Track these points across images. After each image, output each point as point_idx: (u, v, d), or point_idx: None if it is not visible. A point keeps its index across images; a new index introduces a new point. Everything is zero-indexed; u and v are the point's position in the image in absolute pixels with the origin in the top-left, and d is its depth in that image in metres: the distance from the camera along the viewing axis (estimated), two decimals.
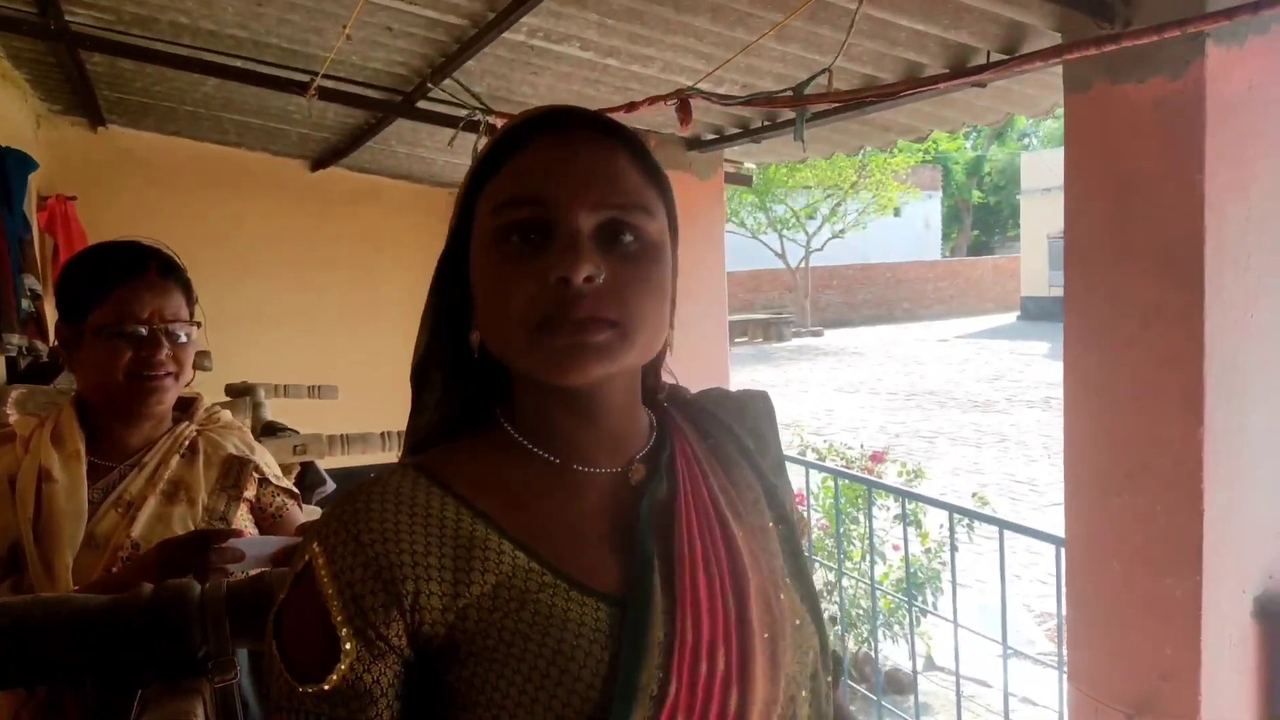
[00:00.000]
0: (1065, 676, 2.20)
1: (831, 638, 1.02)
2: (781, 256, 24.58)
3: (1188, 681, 1.90)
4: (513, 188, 0.75)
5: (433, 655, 0.71)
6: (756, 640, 0.75)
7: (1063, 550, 2.21)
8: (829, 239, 24.23)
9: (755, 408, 0.93)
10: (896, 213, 27.93)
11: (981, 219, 38.89)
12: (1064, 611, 2.21)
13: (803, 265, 24.57)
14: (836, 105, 2.49)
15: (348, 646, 0.70)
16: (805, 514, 3.42)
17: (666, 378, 0.92)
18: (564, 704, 0.69)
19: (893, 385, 14.82)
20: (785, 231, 24.20)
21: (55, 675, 1.04)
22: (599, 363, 0.73)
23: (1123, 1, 1.95)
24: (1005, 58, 2.42)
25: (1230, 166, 1.85)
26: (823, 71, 1.84)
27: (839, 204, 23.56)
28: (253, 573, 1.21)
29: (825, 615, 0.88)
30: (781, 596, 0.80)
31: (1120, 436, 2.00)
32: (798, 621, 0.81)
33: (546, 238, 0.74)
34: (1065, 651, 2.21)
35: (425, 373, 0.82)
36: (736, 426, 0.90)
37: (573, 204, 0.73)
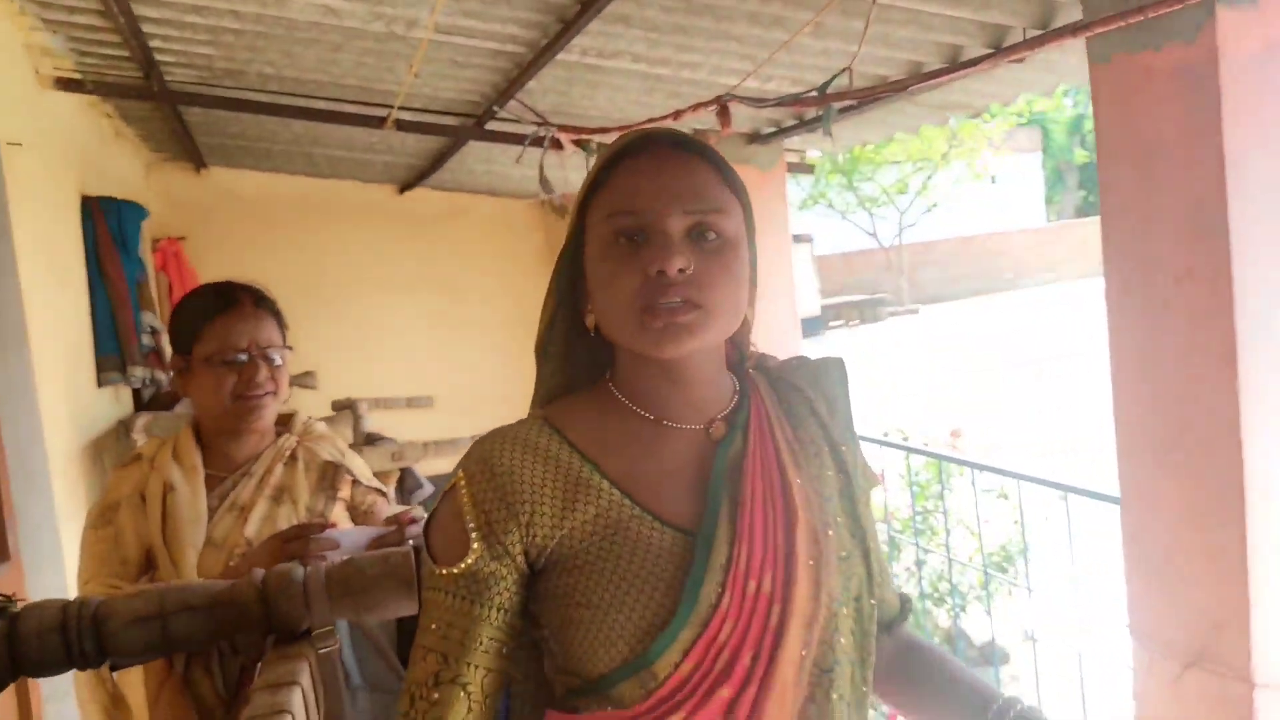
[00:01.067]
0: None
1: (896, 583, 1.21)
2: (874, 235, 24.21)
3: (1240, 631, 1.94)
4: (617, 201, 0.95)
5: (544, 564, 0.93)
6: (800, 567, 0.94)
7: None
8: (923, 214, 23.73)
9: (829, 372, 1.09)
10: (993, 180, 27.15)
11: (1088, 178, 37.37)
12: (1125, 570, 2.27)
13: (896, 243, 24.15)
14: (868, 97, 2.58)
15: (475, 545, 0.93)
16: (883, 485, 3.50)
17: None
18: (645, 606, 0.90)
19: (987, 357, 14.51)
20: (876, 209, 23.82)
21: (189, 647, 1.26)
22: (689, 338, 0.92)
23: None
24: (1036, 34, 2.48)
25: (1250, 125, 1.89)
26: (843, 71, 1.95)
27: (930, 176, 23.06)
28: (345, 558, 1.41)
29: (876, 551, 1.05)
30: (830, 532, 0.98)
31: (1165, 395, 2.05)
32: (844, 553, 0.98)
33: (646, 239, 0.93)
34: (1128, 610, 2.27)
35: (546, 347, 1.04)
36: (810, 390, 1.06)
37: (664, 211, 0.93)
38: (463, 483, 0.94)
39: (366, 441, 3.27)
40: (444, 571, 0.93)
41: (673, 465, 0.97)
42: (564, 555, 0.92)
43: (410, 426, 3.98)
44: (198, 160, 5.14)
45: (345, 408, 3.78)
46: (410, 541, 1.50)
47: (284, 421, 1.85)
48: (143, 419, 2.74)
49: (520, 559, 0.93)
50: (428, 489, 3.17)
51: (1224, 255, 1.89)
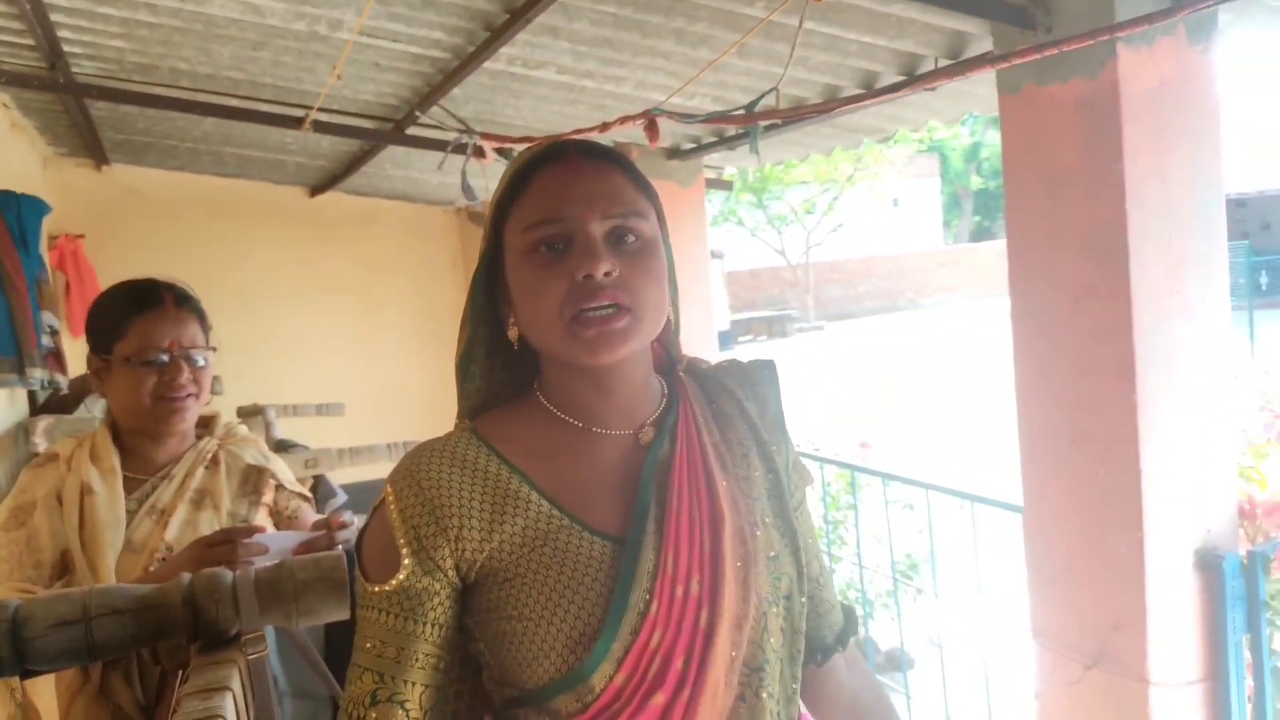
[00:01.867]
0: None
1: (839, 595, 1.22)
2: (782, 253, 24.71)
3: (1136, 631, 2.06)
4: (537, 211, 0.94)
5: (475, 578, 0.93)
6: (728, 569, 0.94)
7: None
8: (828, 233, 24.35)
9: (761, 373, 1.09)
10: (895, 203, 28.03)
11: (982, 204, 38.90)
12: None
13: (804, 260, 24.70)
14: (792, 119, 2.66)
15: (406, 561, 0.92)
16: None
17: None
18: (575, 617, 0.90)
19: (892, 374, 14.94)
20: (784, 228, 24.33)
21: (112, 653, 1.22)
22: (623, 344, 0.93)
23: (1043, 12, 2.12)
24: (950, 63, 2.60)
25: (1147, 156, 2.02)
26: (770, 91, 2.01)
27: (836, 197, 23.69)
28: (274, 563, 1.39)
29: (809, 550, 1.07)
30: (758, 532, 0.98)
31: (1064, 407, 2.16)
32: (773, 553, 0.99)
33: (568, 246, 0.93)
34: (1030, 613, 2.37)
35: (468, 365, 1.03)
36: (740, 390, 1.06)
37: (585, 218, 0.93)
38: (391, 498, 0.94)
39: (278, 448, 3.19)
40: (377, 589, 0.93)
41: (602, 473, 0.98)
42: (494, 568, 0.92)
43: (321, 434, 3.89)
44: (100, 156, 4.94)
45: (253, 414, 3.67)
46: (340, 546, 1.48)
47: (205, 424, 1.80)
48: (43, 422, 2.62)
49: (452, 573, 0.93)
50: (342, 498, 3.11)
51: (1123, 275, 2.01)
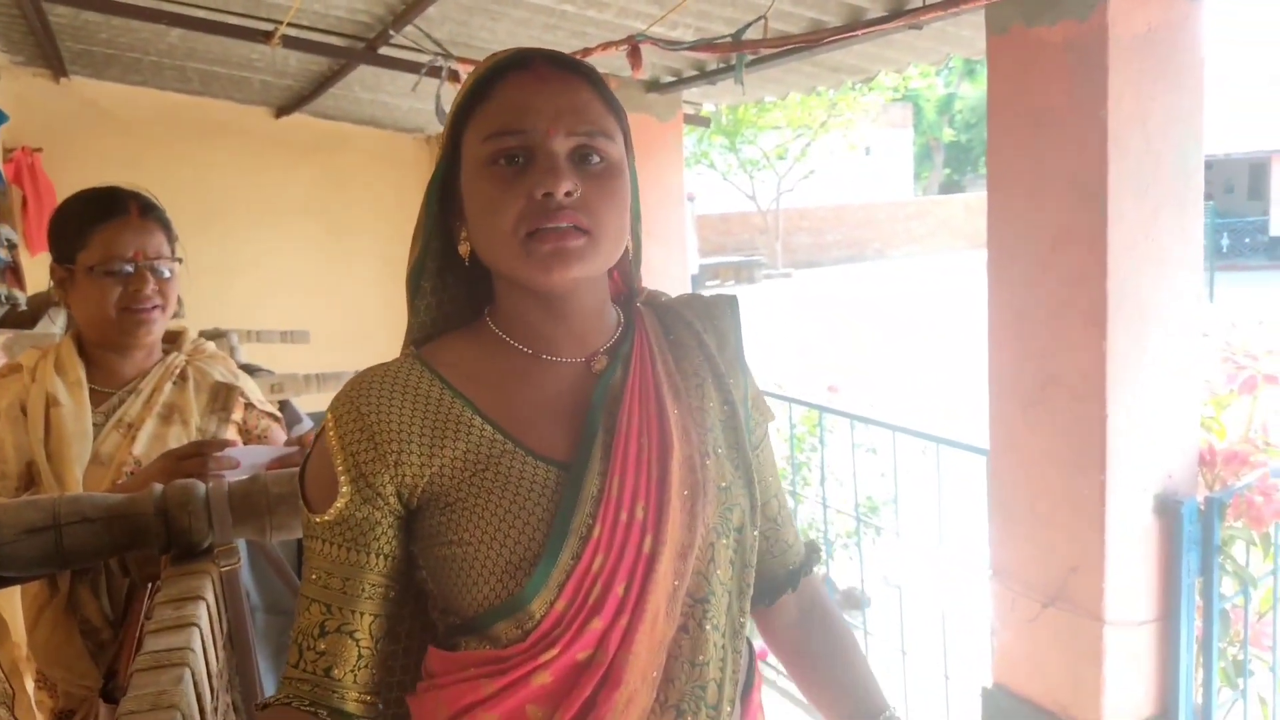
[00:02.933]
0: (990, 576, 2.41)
1: (801, 529, 1.19)
2: (752, 198, 24.62)
3: (1094, 572, 2.11)
4: (497, 120, 0.89)
5: (417, 504, 0.91)
6: (674, 497, 0.92)
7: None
8: (800, 180, 24.26)
9: (720, 307, 1.06)
10: (867, 151, 27.96)
11: (953, 157, 38.93)
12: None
13: (774, 207, 24.64)
14: (779, 49, 2.62)
15: (344, 489, 0.90)
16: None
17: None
18: (516, 541, 0.88)
19: (858, 322, 15.06)
20: (755, 173, 24.21)
21: (83, 562, 1.20)
22: (577, 264, 0.88)
23: None
24: (936, 1, 2.56)
25: (1131, 102, 2.02)
26: (759, 19, 1.97)
27: (809, 144, 23.56)
28: (247, 477, 1.37)
29: (765, 484, 1.05)
30: (708, 462, 0.96)
31: (1035, 351, 2.19)
32: (724, 484, 0.96)
33: (529, 161, 0.88)
34: (991, 553, 2.42)
35: (418, 281, 0.98)
36: (698, 323, 1.03)
37: (549, 132, 0.88)
38: (331, 425, 0.91)
39: (243, 371, 3.14)
40: (319, 519, 0.91)
41: (550, 399, 0.95)
42: (435, 494, 0.90)
43: (285, 362, 3.84)
44: (58, 67, 4.76)
45: (215, 338, 3.61)
46: None
47: (172, 339, 1.76)
48: (2, 336, 2.55)
49: (394, 500, 0.90)
50: (307, 424, 3.08)
51: (1100, 220, 2.02)
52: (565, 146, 0.89)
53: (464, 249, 0.94)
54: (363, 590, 0.90)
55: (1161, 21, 2.05)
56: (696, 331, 1.03)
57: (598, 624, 0.88)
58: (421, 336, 1.00)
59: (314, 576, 0.91)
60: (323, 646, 0.90)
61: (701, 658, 0.93)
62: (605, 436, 0.92)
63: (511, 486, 0.89)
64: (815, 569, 1.13)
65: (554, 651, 0.87)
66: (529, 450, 0.91)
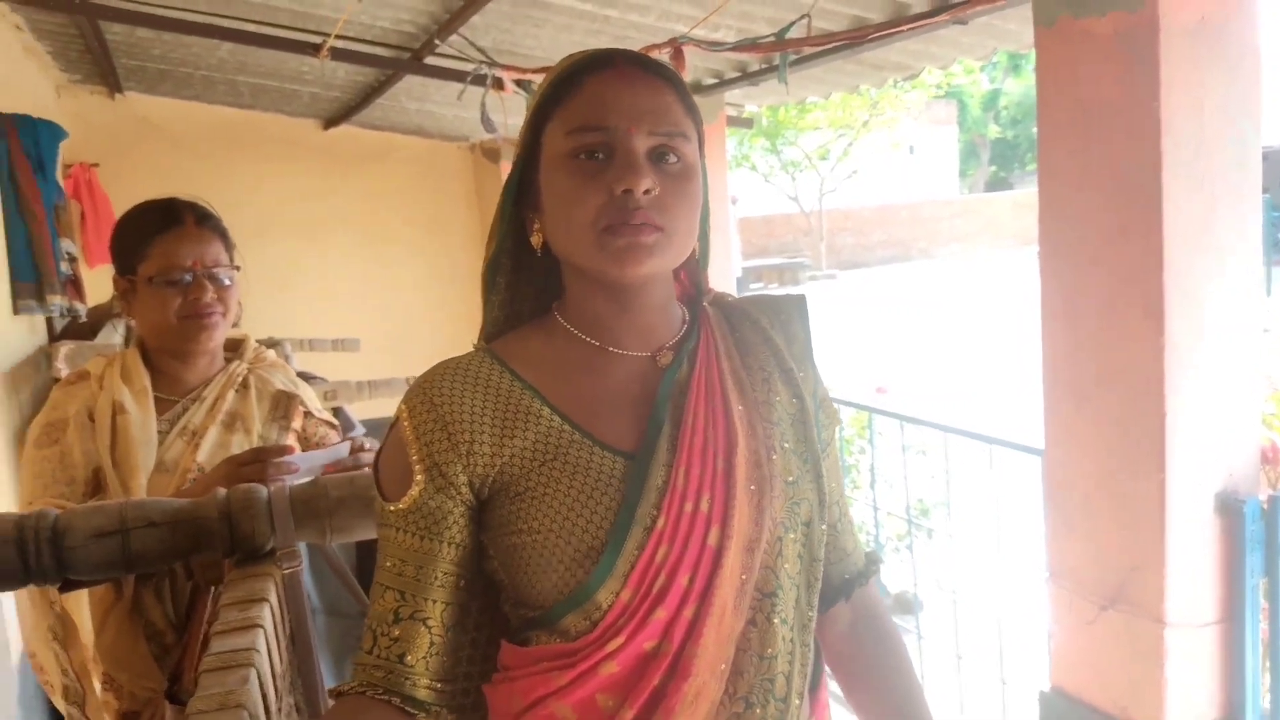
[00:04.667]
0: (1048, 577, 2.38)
1: (863, 538, 1.20)
2: (795, 200, 24.47)
3: (1155, 572, 2.07)
4: (581, 116, 0.91)
5: (488, 494, 0.94)
6: (741, 491, 0.93)
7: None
8: (843, 180, 24.07)
9: (788, 306, 1.08)
10: (911, 150, 27.66)
11: (999, 154, 38.37)
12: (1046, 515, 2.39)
13: (817, 208, 24.47)
14: (822, 48, 2.61)
15: (419, 478, 0.93)
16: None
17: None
18: (584, 530, 0.90)
19: (906, 324, 14.90)
20: (798, 174, 24.05)
21: (149, 566, 1.23)
22: (649, 259, 0.91)
23: None
24: None
25: (1184, 93, 1.98)
26: (802, 17, 1.97)
27: (851, 143, 23.37)
28: (306, 480, 1.40)
29: (832, 478, 1.05)
30: (774, 457, 0.97)
31: (1090, 347, 2.15)
32: (791, 478, 0.97)
33: (609, 157, 0.91)
34: (1048, 554, 2.39)
35: (494, 276, 1.01)
36: (764, 320, 1.05)
37: (631, 130, 0.91)
38: (405, 416, 0.94)
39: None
40: (393, 508, 0.94)
41: (617, 391, 0.97)
42: (506, 483, 0.92)
43: (336, 369, 3.90)
44: (113, 84, 4.89)
45: (269, 346, 3.68)
46: (367, 468, 1.48)
47: (233, 347, 1.80)
48: (65, 348, 2.63)
49: (465, 490, 0.93)
50: (360, 431, 3.12)
51: (1156, 215, 1.98)
52: (645, 145, 0.91)
53: (536, 240, 0.97)
54: (435, 578, 0.93)
55: (1215, 10, 2.01)
56: (763, 329, 1.05)
57: (662, 614, 0.89)
58: (494, 332, 1.03)
59: (388, 564, 0.94)
60: (396, 633, 0.92)
61: (770, 651, 0.94)
62: (671, 429, 0.94)
63: (579, 476, 0.92)
64: (872, 580, 1.13)
65: (620, 640, 0.89)
66: (596, 440, 0.94)
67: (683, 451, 0.93)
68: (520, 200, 0.99)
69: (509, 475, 0.92)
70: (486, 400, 0.94)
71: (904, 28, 2.31)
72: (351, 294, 5.97)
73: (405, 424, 0.93)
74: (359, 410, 3.32)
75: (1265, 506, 2.07)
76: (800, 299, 1.10)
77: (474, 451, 0.92)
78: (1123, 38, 2.02)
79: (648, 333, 0.99)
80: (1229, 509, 2.08)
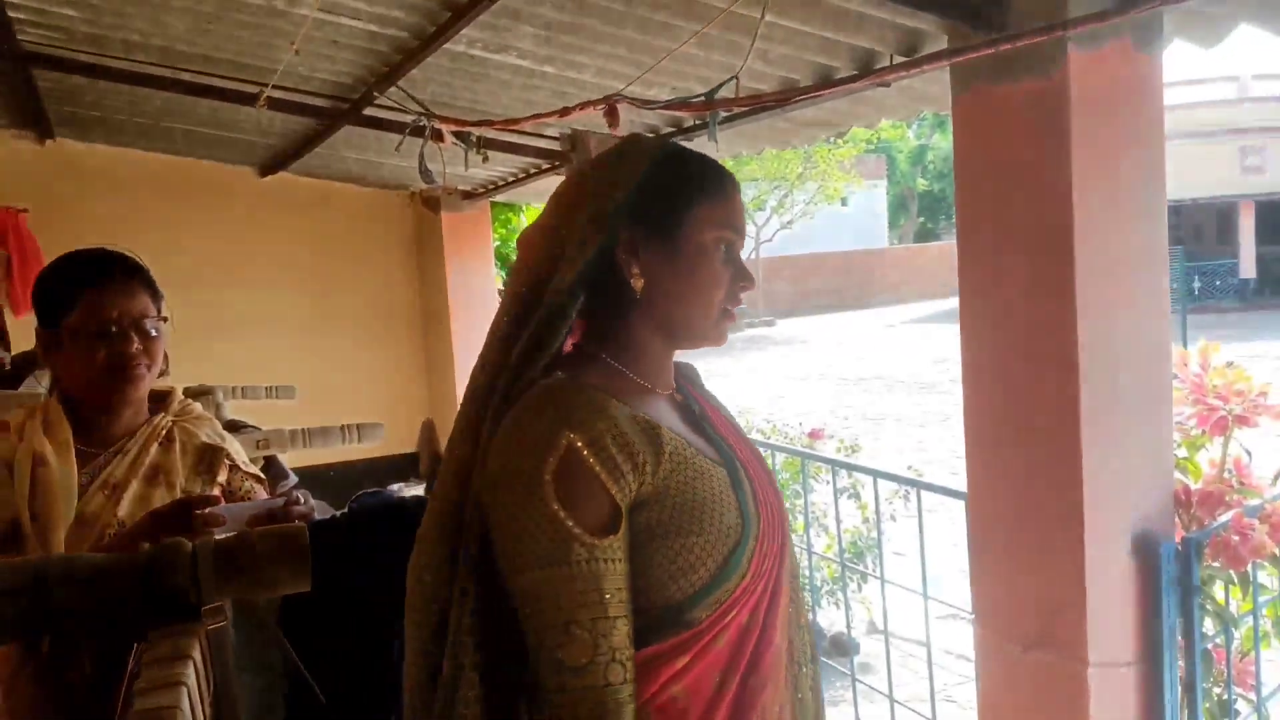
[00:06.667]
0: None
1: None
2: None
3: (1075, 614, 2.12)
4: (728, 218, 1.13)
5: (642, 504, 1.02)
6: (774, 487, 1.17)
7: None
8: (778, 230, 24.54)
9: (696, 372, 1.32)
10: (844, 202, 28.35)
11: (927, 206, 39.49)
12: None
13: (753, 256, 24.87)
14: (750, 108, 2.69)
15: (621, 505, 0.99)
16: None
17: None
18: (718, 528, 1.04)
19: (842, 370, 15.15)
20: None
21: (71, 622, 1.20)
22: None
23: (997, 11, 2.17)
24: (903, 60, 2.65)
25: (1094, 155, 2.08)
26: (730, 79, 2.04)
27: (786, 195, 23.89)
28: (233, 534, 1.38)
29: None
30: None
31: (1009, 397, 2.23)
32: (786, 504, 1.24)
33: (730, 258, 1.14)
34: (972, 596, 2.44)
35: (572, 300, 1.09)
36: (692, 374, 1.30)
37: (743, 241, 1.16)
38: (584, 447, 0.98)
39: (229, 428, 3.13)
40: (606, 541, 0.98)
41: (671, 420, 1.13)
42: (658, 496, 1.02)
43: (271, 418, 3.84)
44: (44, 130, 4.81)
45: (202, 395, 3.61)
46: (299, 520, 1.47)
47: (159, 399, 1.78)
48: None
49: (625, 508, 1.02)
50: (293, 479, 3.08)
51: (1068, 271, 2.07)
52: None
53: (638, 285, 1.10)
54: (628, 598, 1.00)
55: (1120, 77, 2.13)
56: (698, 382, 1.30)
57: (758, 590, 1.06)
58: (549, 363, 1.10)
59: (609, 595, 0.97)
60: (627, 655, 0.98)
61: (803, 621, 1.19)
62: (724, 442, 1.15)
63: (705, 483, 1.06)
64: None
65: (730, 615, 1.03)
66: (699, 451, 1.09)
67: (741, 459, 1.13)
68: (621, 246, 1.11)
69: (661, 488, 1.02)
70: (628, 423, 1.03)
71: (828, 91, 2.39)
72: (288, 342, 5.89)
73: (588, 456, 0.98)
74: (294, 459, 3.28)
75: (1180, 548, 2.15)
76: (692, 367, 1.32)
77: (644, 472, 1.01)
78: (1035, 103, 2.12)
79: (670, 379, 1.20)
80: (1146, 551, 2.15)
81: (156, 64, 3.43)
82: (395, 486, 6.05)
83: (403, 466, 6.39)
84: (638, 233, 1.10)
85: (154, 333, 1.67)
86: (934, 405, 11.59)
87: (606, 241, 1.09)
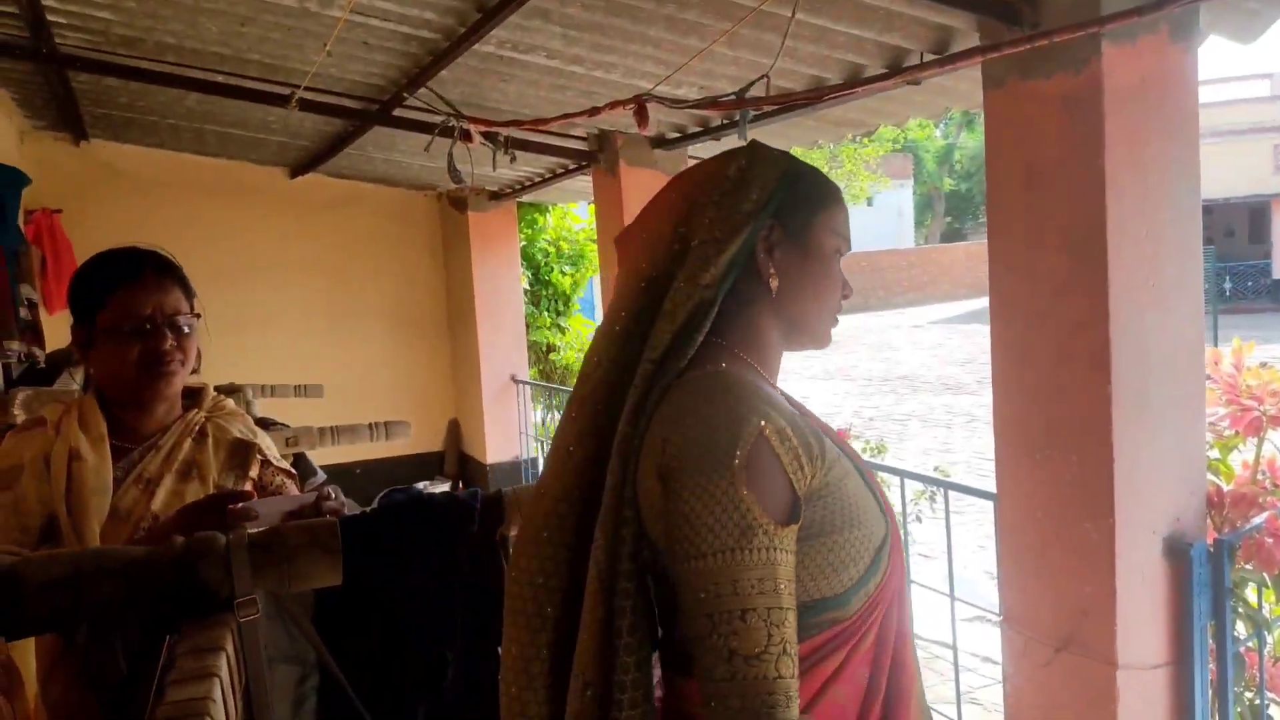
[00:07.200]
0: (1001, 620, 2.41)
1: None
2: None
3: (1105, 616, 2.10)
4: (843, 228, 1.20)
5: (810, 498, 1.02)
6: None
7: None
8: None
9: None
10: (869, 202, 28.18)
11: (954, 206, 39.21)
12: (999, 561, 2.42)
13: None
14: (780, 106, 2.69)
15: (800, 494, 1.00)
16: None
17: None
18: (867, 522, 1.06)
19: (867, 371, 15.07)
20: None
21: (103, 616, 1.22)
22: None
23: (1030, 7, 2.16)
24: (935, 58, 2.63)
25: (1127, 151, 2.06)
26: (761, 77, 2.04)
27: None
28: (265, 528, 1.40)
29: None
30: None
31: (1040, 397, 2.21)
32: None
33: (838, 263, 1.20)
34: (1001, 597, 2.42)
35: (720, 290, 1.11)
36: None
37: None
38: (771, 435, 0.99)
39: (259, 426, 3.18)
40: (785, 530, 0.98)
41: None
42: (817, 490, 1.02)
43: (298, 416, 3.88)
44: (78, 131, 4.89)
45: (231, 393, 3.65)
46: (329, 515, 1.49)
47: (191, 395, 1.80)
48: (23, 394, 2.60)
49: None
50: (321, 477, 3.10)
51: (1101, 268, 2.05)
52: None
53: (774, 284, 1.14)
54: (795, 591, 1.00)
55: (1155, 72, 2.10)
56: None
57: (895, 587, 1.09)
58: (693, 351, 1.10)
59: (782, 586, 0.97)
60: (795, 650, 0.97)
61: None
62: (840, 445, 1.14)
63: (853, 481, 1.07)
64: None
65: (878, 610, 1.06)
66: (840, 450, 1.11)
67: (857, 461, 1.15)
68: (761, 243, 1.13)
69: (823, 484, 1.03)
70: (795, 418, 1.05)
71: (859, 89, 2.38)
72: (317, 340, 5.95)
73: (776, 444, 0.99)
74: (321, 456, 3.31)
75: (1211, 550, 2.12)
76: None
77: (817, 465, 1.02)
78: (1067, 99, 2.10)
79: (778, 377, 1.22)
80: (1177, 553, 2.13)
81: (190, 66, 3.48)
82: (421, 484, 6.09)
83: (428, 465, 6.44)
84: (776, 234, 1.14)
85: (187, 329, 1.69)
86: (960, 406, 11.50)
87: (748, 240, 1.12)
